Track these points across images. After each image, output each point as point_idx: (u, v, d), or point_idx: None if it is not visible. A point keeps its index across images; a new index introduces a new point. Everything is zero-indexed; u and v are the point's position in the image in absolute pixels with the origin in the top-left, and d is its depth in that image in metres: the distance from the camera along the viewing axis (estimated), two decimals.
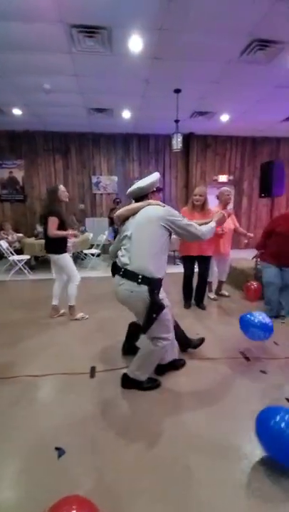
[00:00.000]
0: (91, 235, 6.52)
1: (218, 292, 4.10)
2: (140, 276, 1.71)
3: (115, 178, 7.48)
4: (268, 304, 3.18)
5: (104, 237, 5.86)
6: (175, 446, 1.51)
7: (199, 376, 2.14)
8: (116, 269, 1.90)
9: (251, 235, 3.81)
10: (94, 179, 7.42)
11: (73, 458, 1.43)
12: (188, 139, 7.23)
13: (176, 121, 5.21)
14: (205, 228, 1.97)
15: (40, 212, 6.54)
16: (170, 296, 3.67)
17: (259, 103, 5.28)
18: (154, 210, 1.85)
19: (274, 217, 3.27)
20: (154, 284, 1.72)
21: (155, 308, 1.71)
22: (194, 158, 7.50)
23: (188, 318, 3.25)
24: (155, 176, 1.98)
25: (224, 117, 6.04)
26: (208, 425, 1.65)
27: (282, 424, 1.28)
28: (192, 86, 4.56)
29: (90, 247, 6.13)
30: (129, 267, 1.77)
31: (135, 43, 3.42)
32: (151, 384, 1.99)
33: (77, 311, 3.27)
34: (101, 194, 7.55)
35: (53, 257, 3.15)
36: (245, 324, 2.41)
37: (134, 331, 2.39)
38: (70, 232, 3.19)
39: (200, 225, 2.02)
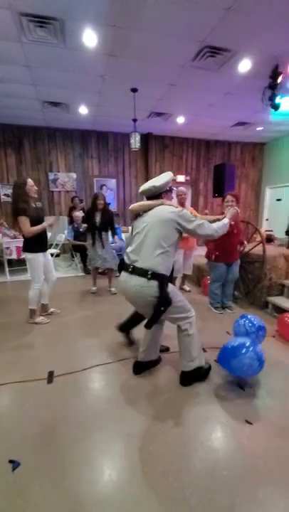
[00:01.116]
0: (50, 234, 6.23)
1: (181, 287, 4.27)
2: (150, 273, 1.74)
3: (74, 175, 7.26)
4: (213, 299, 3.49)
5: (63, 236, 5.66)
6: (139, 447, 1.55)
7: (160, 369, 2.21)
8: (123, 267, 1.91)
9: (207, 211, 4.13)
10: (51, 176, 7.10)
11: (29, 470, 1.37)
12: (147, 138, 7.33)
13: (134, 120, 5.24)
14: (217, 225, 1.99)
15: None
16: None
17: (211, 108, 5.57)
18: (167, 211, 1.87)
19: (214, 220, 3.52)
20: (163, 279, 1.76)
21: (164, 302, 1.76)
22: (153, 157, 7.62)
23: None
24: (169, 175, 1.98)
25: (180, 119, 6.24)
26: (173, 410, 1.72)
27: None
28: (149, 86, 4.62)
29: (49, 247, 5.86)
30: (138, 264, 1.80)
31: (89, 38, 3.35)
32: (208, 366, 2.11)
33: (36, 315, 3.13)
34: (59, 191, 7.27)
35: (25, 255, 2.93)
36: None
37: (138, 318, 2.44)
38: (46, 223, 2.91)
39: (212, 221, 2.06)
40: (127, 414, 1.75)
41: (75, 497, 1.24)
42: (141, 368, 2.14)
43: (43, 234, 2.93)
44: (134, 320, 2.51)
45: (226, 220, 2.08)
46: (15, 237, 5.06)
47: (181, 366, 2.03)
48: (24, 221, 2.74)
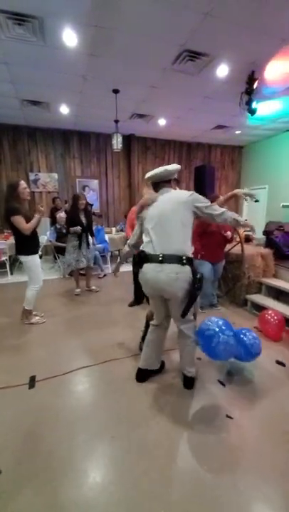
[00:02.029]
0: None
1: None
2: (184, 258, 1.72)
3: (55, 176, 7.13)
4: (204, 298, 3.49)
5: (45, 237, 5.55)
6: (129, 451, 1.56)
7: None
8: (145, 259, 1.79)
9: None
10: (32, 176, 6.93)
11: (11, 478, 1.35)
12: (129, 139, 7.34)
13: (116, 121, 5.24)
14: (231, 213, 1.93)
15: None
16: (121, 294, 3.74)
17: (191, 111, 5.68)
18: (181, 194, 1.86)
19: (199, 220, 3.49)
20: (193, 264, 1.77)
21: (199, 286, 1.74)
22: (136, 159, 7.65)
23: (141, 315, 3.33)
24: (177, 165, 1.98)
25: (161, 121, 6.31)
26: (156, 409, 1.74)
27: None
28: (130, 88, 4.64)
29: None
30: (168, 251, 1.73)
31: (69, 37, 3.32)
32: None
33: (32, 315, 3.09)
34: (40, 192, 7.11)
35: (22, 258, 2.90)
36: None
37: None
38: (37, 216, 2.84)
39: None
40: (110, 415, 1.75)
41: (59, 502, 1.23)
42: (144, 375, 2.08)
43: (36, 235, 2.95)
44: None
45: (236, 215, 1.97)
46: (7, 238, 4.95)
47: (185, 372, 2.03)
48: (20, 220, 2.73)
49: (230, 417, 1.74)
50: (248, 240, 4.53)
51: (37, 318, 3.12)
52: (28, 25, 3.12)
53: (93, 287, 4.30)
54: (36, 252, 2.99)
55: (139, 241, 1.98)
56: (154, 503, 1.23)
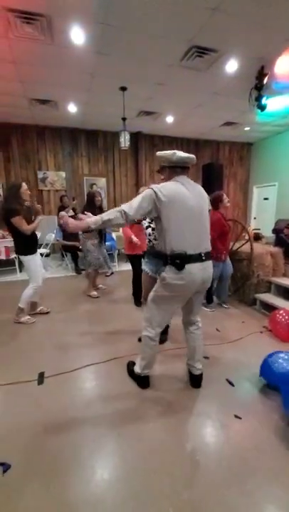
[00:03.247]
0: (39, 234, 6.15)
1: None
2: (211, 254, 1.80)
3: (63, 174, 7.18)
4: (224, 295, 3.56)
5: (52, 236, 5.60)
6: (136, 452, 1.56)
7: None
8: (186, 258, 1.65)
9: None
10: (40, 174, 7.00)
11: (19, 472, 1.37)
12: (136, 137, 7.32)
13: (124, 119, 5.23)
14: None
15: None
16: (128, 292, 3.73)
17: (199, 108, 5.61)
18: (204, 191, 1.83)
19: (219, 219, 3.30)
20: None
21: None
22: (143, 156, 7.62)
23: (133, 313, 3.33)
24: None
25: (169, 119, 6.27)
26: (163, 407, 1.74)
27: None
28: (138, 85, 4.62)
29: (38, 247, 5.78)
30: (206, 250, 1.74)
31: (77, 35, 3.32)
32: None
33: (24, 314, 3.09)
34: (48, 190, 7.17)
35: (21, 258, 2.94)
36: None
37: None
38: (39, 218, 2.94)
39: None
40: (117, 413, 1.76)
41: (67, 498, 1.24)
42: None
43: (34, 234, 2.97)
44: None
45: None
46: (3, 237, 4.97)
47: (193, 370, 2.01)
48: (19, 221, 2.75)
49: (239, 417, 1.72)
50: (257, 238, 4.47)
51: (27, 317, 3.09)
52: (36, 24, 3.13)
53: (100, 285, 4.32)
54: (35, 252, 3.00)
55: (140, 218, 1.83)
56: (163, 501, 1.23)
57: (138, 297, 3.67)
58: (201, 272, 1.71)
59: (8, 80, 4.41)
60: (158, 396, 1.91)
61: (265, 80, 4.05)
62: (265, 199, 8.31)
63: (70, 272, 5.47)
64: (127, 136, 5.21)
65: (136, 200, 1.66)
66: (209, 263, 1.78)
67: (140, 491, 1.27)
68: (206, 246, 1.76)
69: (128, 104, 5.10)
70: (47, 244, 5.62)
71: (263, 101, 4.19)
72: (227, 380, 2.08)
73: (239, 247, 3.72)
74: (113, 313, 3.39)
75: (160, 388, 1.99)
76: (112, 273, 5.25)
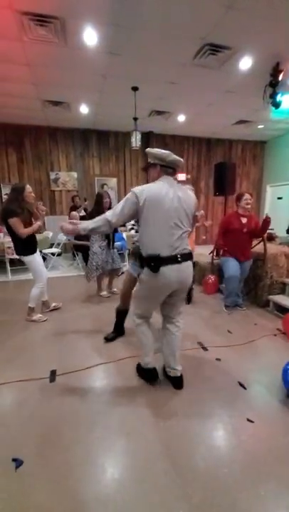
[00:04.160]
0: (51, 233, 6.26)
1: None
2: (192, 255, 1.81)
3: (75, 175, 7.26)
4: (230, 297, 3.37)
5: (64, 235, 5.67)
6: (147, 448, 1.56)
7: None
8: (161, 262, 1.66)
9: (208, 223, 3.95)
10: (52, 175, 7.10)
11: (31, 468, 1.39)
12: (148, 137, 7.31)
13: (135, 119, 5.23)
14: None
15: None
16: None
17: (211, 106, 5.55)
18: (192, 195, 1.84)
19: (225, 216, 3.44)
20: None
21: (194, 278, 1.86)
22: None
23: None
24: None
25: (181, 118, 6.22)
26: (175, 408, 1.73)
27: None
28: (149, 85, 4.61)
29: (50, 247, 5.89)
30: (181, 251, 1.72)
31: (90, 36, 3.34)
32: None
33: (35, 312, 3.15)
34: (60, 191, 7.27)
35: (22, 258, 2.99)
36: None
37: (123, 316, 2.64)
38: (37, 223, 2.94)
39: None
40: (128, 412, 1.76)
41: (77, 495, 1.25)
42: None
43: (31, 239, 2.98)
44: (120, 323, 2.73)
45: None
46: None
47: (174, 372, 1.98)
48: (16, 223, 2.76)
49: (251, 421, 1.68)
50: (270, 238, 4.38)
51: (38, 315, 3.13)
52: (50, 26, 3.17)
53: (115, 289, 4.16)
54: (35, 252, 3.00)
55: (122, 224, 1.84)
56: (173, 503, 1.22)
57: None
58: (177, 273, 1.72)
59: (22, 82, 4.50)
60: (168, 397, 1.89)
61: (281, 77, 3.95)
62: (279, 198, 8.12)
63: (82, 271, 5.52)
64: (139, 136, 5.21)
65: (118, 207, 1.71)
66: (187, 264, 1.76)
67: (151, 492, 1.26)
68: (184, 247, 1.74)
69: (140, 104, 5.10)
70: (58, 244, 5.70)
71: (278, 98, 4.10)
72: (239, 382, 2.04)
73: (252, 247, 3.65)
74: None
75: (170, 389, 1.98)
76: (122, 273, 5.26)
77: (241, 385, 2.02)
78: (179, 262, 1.71)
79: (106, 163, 7.44)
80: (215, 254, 3.72)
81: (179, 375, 2.00)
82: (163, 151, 1.75)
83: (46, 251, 5.78)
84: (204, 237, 4.36)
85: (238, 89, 4.76)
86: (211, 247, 3.94)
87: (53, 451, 1.48)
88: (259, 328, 2.96)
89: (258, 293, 3.58)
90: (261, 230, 3.22)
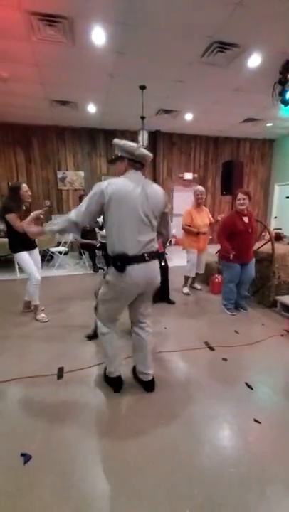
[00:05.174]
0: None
1: (191, 285, 4.27)
2: (159, 254, 1.74)
3: (82, 174, 7.30)
4: (227, 300, 3.35)
5: (71, 234, 5.72)
6: (151, 443, 1.56)
7: (169, 366, 2.22)
8: (127, 260, 1.59)
9: (221, 216, 3.87)
10: (59, 174, 7.16)
11: (40, 464, 1.41)
12: (155, 135, 7.29)
13: (142, 117, 5.22)
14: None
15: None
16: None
17: (219, 104, 5.50)
18: (162, 192, 1.73)
19: (226, 219, 3.26)
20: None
21: (162, 274, 1.82)
22: (161, 155, 7.59)
23: (155, 313, 3.32)
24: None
25: (188, 116, 6.19)
26: (180, 407, 1.73)
27: None
28: (157, 83, 4.60)
29: (57, 245, 5.95)
30: (148, 250, 1.65)
31: (98, 36, 3.35)
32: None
33: (40, 310, 3.18)
34: (67, 190, 7.33)
35: (12, 254, 3.11)
36: None
37: None
38: (33, 214, 2.90)
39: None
40: (135, 410, 1.77)
41: (84, 492, 1.26)
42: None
43: (20, 237, 2.92)
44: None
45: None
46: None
47: (145, 377, 1.92)
48: (13, 218, 2.88)
49: (259, 422, 1.67)
50: (278, 238, 4.33)
51: (42, 315, 3.15)
52: (58, 26, 3.19)
53: None
54: (24, 250, 3.05)
55: (90, 222, 1.71)
56: (179, 502, 1.22)
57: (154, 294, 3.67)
58: (145, 272, 1.64)
59: (30, 82, 4.54)
60: (174, 396, 1.90)
61: None
62: (287, 198, 8.00)
63: (88, 270, 5.55)
64: (146, 135, 5.20)
65: (83, 205, 1.61)
66: (155, 263, 1.71)
67: (157, 490, 1.27)
68: (151, 245, 1.67)
69: (147, 102, 5.10)
70: (65, 243, 5.75)
71: (288, 95, 4.04)
72: (246, 383, 2.03)
73: (259, 247, 3.61)
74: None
75: (174, 389, 1.98)
76: None
77: (248, 385, 2.01)
78: (146, 261, 1.63)
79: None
80: (221, 256, 3.68)
81: (150, 379, 1.92)
82: (131, 143, 1.66)
83: (53, 249, 5.83)
84: (210, 237, 4.33)
85: (247, 87, 4.71)
86: (218, 246, 3.91)
87: (61, 447, 1.50)
88: (266, 328, 2.94)
89: (265, 293, 3.55)
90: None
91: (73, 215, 1.63)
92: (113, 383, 1.95)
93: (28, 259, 3.05)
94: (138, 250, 1.61)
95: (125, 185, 1.60)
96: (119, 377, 1.95)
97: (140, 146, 1.65)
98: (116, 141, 1.70)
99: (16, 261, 4.90)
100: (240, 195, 3.12)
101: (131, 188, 1.59)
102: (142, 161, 1.69)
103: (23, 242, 3.00)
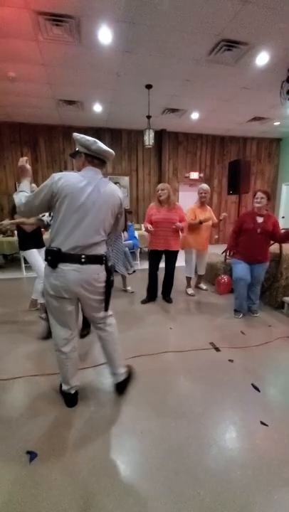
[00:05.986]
0: None
1: (197, 285, 4.24)
2: (104, 258, 1.60)
3: None
4: (238, 299, 3.26)
5: None
6: (155, 440, 1.56)
7: (175, 367, 2.21)
8: (60, 257, 1.50)
9: (224, 214, 3.91)
10: None
11: (45, 461, 1.41)
12: (160, 135, 7.28)
13: (148, 117, 5.21)
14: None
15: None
16: (139, 292, 3.71)
17: (226, 103, 5.46)
18: (117, 190, 1.64)
19: (239, 216, 3.34)
20: (107, 261, 1.64)
21: (111, 283, 1.66)
22: (167, 155, 7.57)
23: (158, 313, 3.31)
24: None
25: (194, 115, 6.16)
26: (187, 408, 1.72)
27: None
28: (163, 82, 4.58)
29: None
30: (89, 253, 1.54)
31: (105, 35, 3.36)
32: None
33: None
34: None
35: (22, 253, 3.16)
36: None
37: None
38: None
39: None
40: (141, 410, 1.76)
41: (90, 490, 1.26)
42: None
43: (35, 232, 3.14)
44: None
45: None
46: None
47: (117, 377, 1.82)
48: (17, 217, 2.96)
49: (266, 424, 1.65)
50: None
51: (44, 314, 3.16)
52: (65, 26, 3.20)
53: (129, 287, 4.16)
54: (31, 248, 3.11)
55: (36, 212, 1.64)
56: (185, 503, 1.21)
57: (152, 292, 3.68)
58: (78, 274, 1.51)
59: (37, 82, 4.57)
60: (181, 397, 1.88)
61: None
62: None
63: None
64: (152, 135, 5.19)
65: (34, 194, 1.54)
66: (93, 268, 1.55)
67: (162, 490, 1.26)
68: (93, 249, 1.55)
69: (153, 101, 5.09)
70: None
71: None
72: (252, 385, 2.00)
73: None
74: (133, 311, 3.41)
75: (180, 390, 1.96)
76: (134, 271, 5.27)
77: (255, 387, 1.98)
78: (81, 263, 1.51)
79: (118, 161, 7.46)
80: (227, 254, 3.64)
81: (121, 379, 1.80)
82: (88, 138, 1.58)
83: None
84: (216, 236, 4.29)
85: (254, 86, 4.66)
86: (224, 247, 3.88)
87: (67, 445, 1.50)
88: (273, 330, 2.90)
89: (273, 294, 3.50)
90: (280, 239, 3.04)
91: (23, 199, 1.56)
92: (66, 398, 1.79)
93: (37, 256, 3.11)
94: (75, 250, 1.51)
95: (78, 181, 1.52)
96: (75, 395, 1.79)
97: (97, 141, 1.59)
98: (75, 135, 1.64)
99: (22, 260, 4.96)
100: (258, 194, 3.02)
101: (82, 184, 1.52)
102: (101, 157, 1.63)
103: (32, 240, 3.11)
